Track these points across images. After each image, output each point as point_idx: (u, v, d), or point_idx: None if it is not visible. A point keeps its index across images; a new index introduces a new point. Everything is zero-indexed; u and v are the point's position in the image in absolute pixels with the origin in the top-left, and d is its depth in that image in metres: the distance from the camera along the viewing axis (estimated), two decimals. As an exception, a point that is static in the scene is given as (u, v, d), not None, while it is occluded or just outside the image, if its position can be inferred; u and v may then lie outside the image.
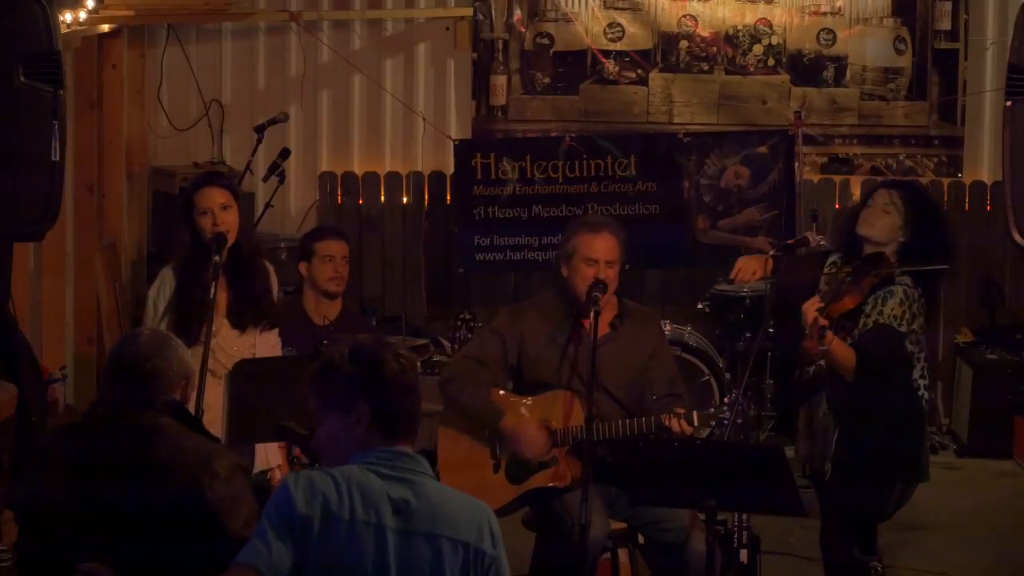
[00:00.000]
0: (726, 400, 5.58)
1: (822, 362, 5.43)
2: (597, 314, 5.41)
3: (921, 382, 5.46)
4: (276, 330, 5.86)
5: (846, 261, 5.49)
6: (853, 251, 5.49)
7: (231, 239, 5.66)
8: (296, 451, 5.22)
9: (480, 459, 5.67)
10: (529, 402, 5.65)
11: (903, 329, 5.34)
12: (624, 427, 5.48)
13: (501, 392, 5.69)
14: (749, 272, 5.85)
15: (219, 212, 5.66)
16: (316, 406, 3.50)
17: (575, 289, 5.60)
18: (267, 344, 5.83)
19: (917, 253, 5.38)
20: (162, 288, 5.77)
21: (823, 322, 5.15)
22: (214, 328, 5.57)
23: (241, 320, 5.73)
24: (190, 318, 5.60)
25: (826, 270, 5.61)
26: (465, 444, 5.69)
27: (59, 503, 3.94)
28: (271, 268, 5.98)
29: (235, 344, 5.72)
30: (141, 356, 4.12)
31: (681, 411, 5.41)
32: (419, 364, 6.21)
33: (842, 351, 5.26)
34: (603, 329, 5.55)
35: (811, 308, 5.20)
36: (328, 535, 3.34)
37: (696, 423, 5.41)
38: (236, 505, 3.98)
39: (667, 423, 5.39)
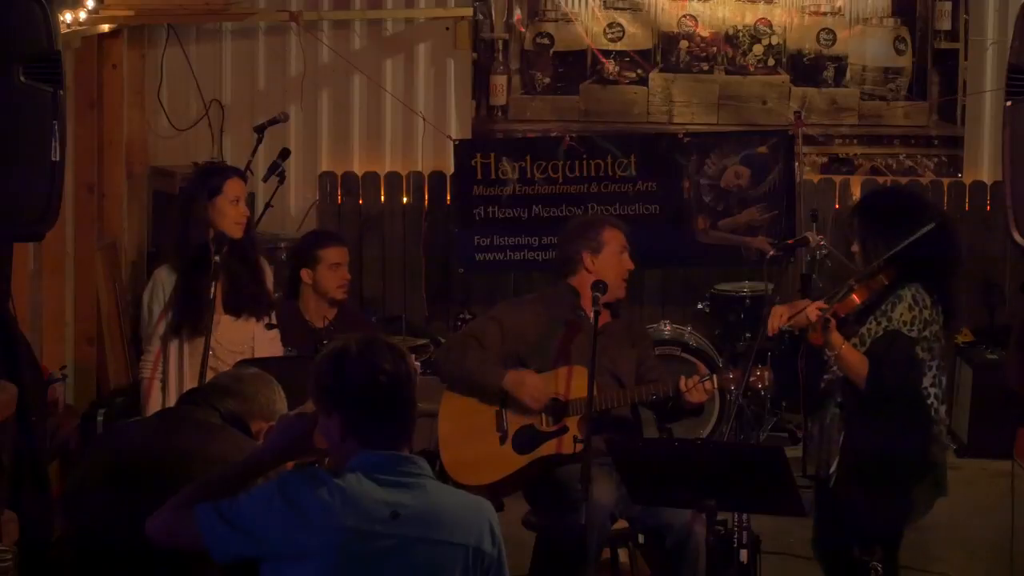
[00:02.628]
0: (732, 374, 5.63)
1: (835, 369, 5.43)
2: (598, 313, 5.48)
3: (932, 390, 5.44)
4: (275, 328, 5.90)
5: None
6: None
7: (239, 234, 5.73)
8: None
9: (485, 432, 5.71)
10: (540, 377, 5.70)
11: (913, 334, 5.32)
12: (633, 394, 5.62)
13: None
14: (776, 318, 5.73)
15: (244, 205, 5.83)
16: (312, 403, 3.51)
17: (607, 275, 5.74)
18: (266, 338, 5.86)
19: (905, 259, 5.37)
20: (155, 291, 5.80)
21: (827, 315, 5.18)
22: (213, 323, 5.62)
23: (236, 306, 5.78)
24: (192, 312, 5.65)
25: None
26: (468, 419, 5.73)
27: (102, 490, 3.91)
28: (267, 266, 6.03)
29: (234, 334, 5.76)
30: (234, 378, 4.18)
31: (704, 371, 5.51)
32: (418, 365, 6.20)
33: (853, 357, 5.26)
34: (607, 316, 5.71)
35: (813, 309, 5.23)
36: (323, 543, 3.32)
37: (717, 386, 5.56)
38: None
39: (684, 387, 5.52)
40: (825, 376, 5.55)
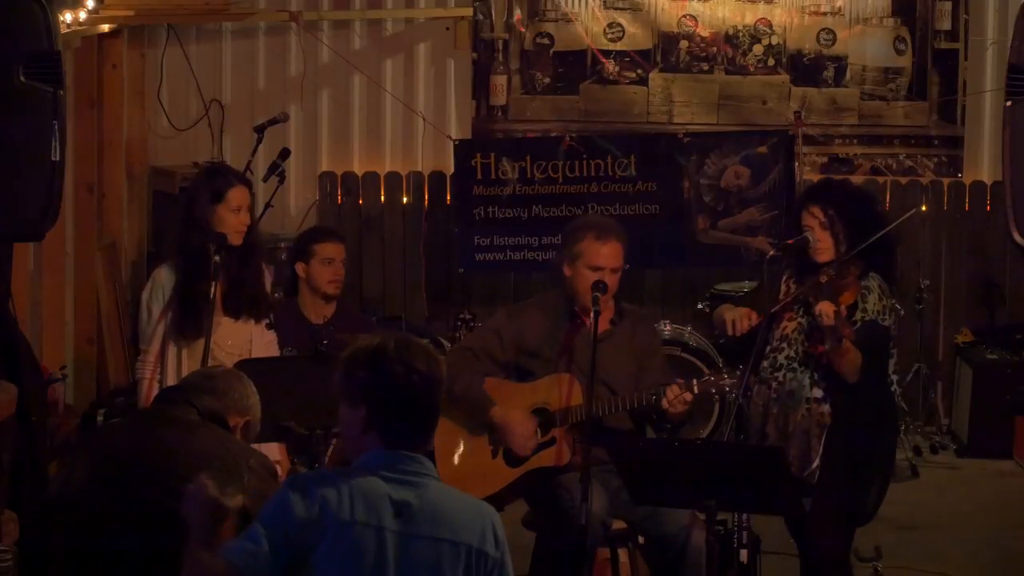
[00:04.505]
0: (724, 374, 5.58)
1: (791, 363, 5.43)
2: (597, 314, 5.45)
3: (894, 377, 5.54)
4: (272, 330, 5.91)
5: (802, 277, 5.50)
6: (808, 268, 5.50)
7: (238, 242, 5.73)
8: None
9: (477, 445, 5.69)
10: (529, 387, 5.67)
11: (887, 324, 5.37)
12: (623, 402, 5.54)
13: (499, 380, 5.72)
14: (744, 320, 5.74)
15: (245, 213, 5.79)
16: (336, 391, 3.52)
17: (576, 290, 5.66)
18: (263, 341, 5.86)
19: (867, 249, 5.40)
20: (155, 291, 5.80)
21: (843, 312, 5.18)
22: (213, 324, 5.63)
23: (236, 307, 5.78)
24: (193, 313, 5.65)
25: (783, 287, 5.60)
26: (462, 432, 5.71)
27: (87, 491, 3.91)
28: (267, 269, 6.03)
29: (232, 336, 5.76)
30: (206, 376, 4.21)
31: (681, 381, 5.45)
32: (439, 372, 6.19)
33: (853, 350, 5.26)
34: (604, 326, 5.62)
35: (829, 307, 5.19)
36: (327, 536, 3.35)
37: (697, 391, 5.44)
38: (263, 502, 3.97)
39: (667, 395, 5.41)
40: (765, 362, 5.51)
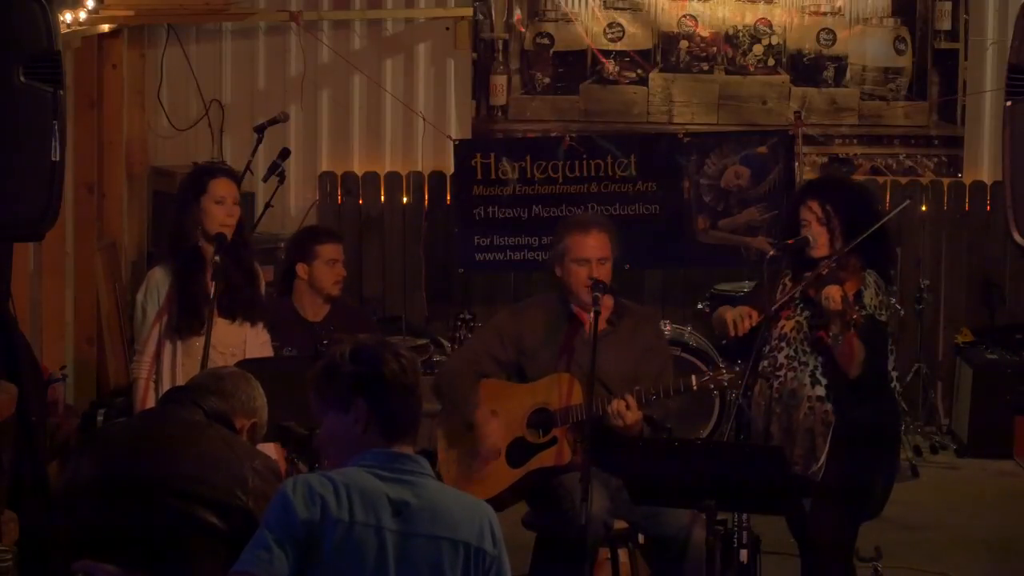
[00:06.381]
0: (723, 369, 5.58)
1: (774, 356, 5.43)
2: (597, 313, 5.44)
3: (893, 373, 5.54)
4: (266, 331, 5.90)
5: (799, 276, 5.50)
6: (804, 265, 5.50)
7: (230, 237, 5.72)
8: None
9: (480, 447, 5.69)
10: (528, 387, 5.67)
11: (883, 319, 5.38)
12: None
13: (499, 380, 5.72)
14: (745, 319, 5.71)
15: (231, 205, 5.77)
16: (317, 406, 3.52)
17: (570, 288, 5.65)
18: (257, 342, 5.85)
19: (865, 243, 5.41)
20: (150, 291, 5.79)
21: (850, 295, 5.18)
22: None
23: (231, 308, 5.77)
24: (192, 313, 5.65)
25: (781, 286, 5.60)
26: (464, 433, 5.70)
27: (91, 491, 3.92)
28: (260, 271, 6.03)
29: (226, 337, 5.75)
30: (214, 377, 4.20)
31: (630, 396, 5.41)
32: (419, 364, 6.20)
33: (856, 342, 5.26)
34: (601, 325, 5.59)
35: (836, 290, 5.19)
36: (328, 537, 3.34)
37: (696, 387, 5.45)
38: (265, 503, 3.96)
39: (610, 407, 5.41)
40: (765, 362, 5.51)
